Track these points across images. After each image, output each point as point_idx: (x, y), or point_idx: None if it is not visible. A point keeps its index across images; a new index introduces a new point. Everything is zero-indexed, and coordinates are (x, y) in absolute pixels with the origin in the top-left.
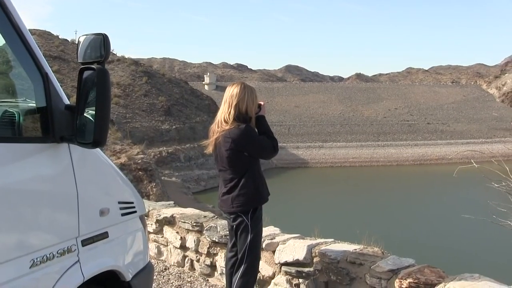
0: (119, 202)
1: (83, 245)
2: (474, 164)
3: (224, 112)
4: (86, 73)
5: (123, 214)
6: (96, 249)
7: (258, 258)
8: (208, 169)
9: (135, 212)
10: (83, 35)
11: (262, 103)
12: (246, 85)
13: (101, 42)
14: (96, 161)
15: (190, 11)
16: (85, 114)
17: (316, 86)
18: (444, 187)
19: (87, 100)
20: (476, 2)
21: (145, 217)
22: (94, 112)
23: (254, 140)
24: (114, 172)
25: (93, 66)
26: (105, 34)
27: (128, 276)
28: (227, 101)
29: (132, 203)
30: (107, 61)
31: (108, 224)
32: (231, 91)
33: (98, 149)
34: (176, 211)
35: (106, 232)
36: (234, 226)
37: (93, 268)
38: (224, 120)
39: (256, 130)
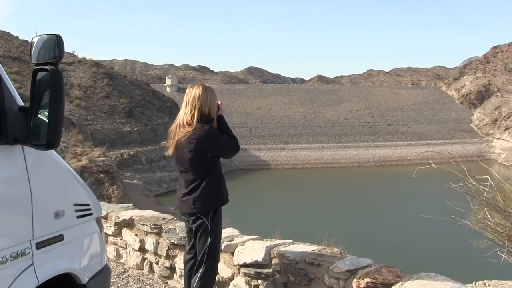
0: (75, 204)
1: (37, 248)
2: (433, 165)
3: (187, 115)
4: (40, 74)
5: (78, 217)
6: (51, 252)
7: (217, 260)
8: (170, 171)
9: (91, 214)
10: (36, 36)
11: (219, 102)
12: (207, 86)
13: (55, 43)
14: (51, 163)
15: (151, 12)
16: (39, 116)
17: (277, 88)
18: (405, 187)
19: (41, 101)
20: (436, 6)
21: (103, 220)
22: (47, 113)
23: (218, 140)
24: (70, 174)
25: (47, 67)
26: (58, 35)
27: (84, 279)
28: (189, 103)
29: (88, 205)
30: (61, 62)
31: (63, 227)
32: (193, 93)
33: (53, 151)
34: (135, 213)
35: (62, 235)
36: (194, 228)
37: (48, 271)
38: (187, 123)
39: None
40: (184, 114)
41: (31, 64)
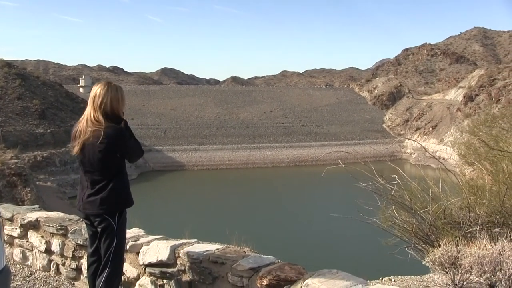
0: None
1: None
2: (342, 165)
3: (91, 113)
4: None
5: None
6: None
7: (122, 262)
8: None
9: None
10: None
11: None
12: (110, 84)
13: None
14: None
15: (64, 12)
16: None
17: (192, 89)
18: (317, 187)
19: None
20: (349, 9)
21: (8, 222)
22: None
23: (127, 141)
24: None
25: None
26: None
27: None
28: (91, 101)
29: None
30: None
31: None
32: (95, 91)
33: None
34: (41, 215)
35: None
36: (100, 229)
37: None
38: (95, 120)
39: None
40: (89, 113)
41: None
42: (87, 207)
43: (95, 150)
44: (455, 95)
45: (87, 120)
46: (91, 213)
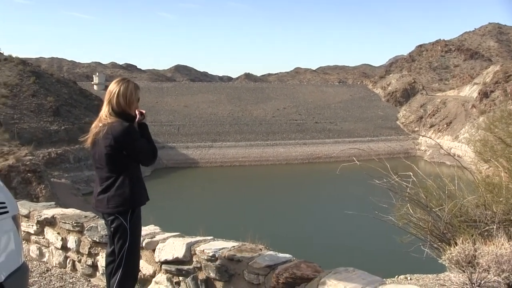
0: None
1: None
2: (356, 162)
3: (103, 109)
4: None
5: None
6: None
7: (137, 262)
8: None
9: (6, 212)
10: None
11: (143, 111)
12: (122, 80)
13: None
14: None
15: (78, 10)
16: None
17: (205, 86)
18: (331, 184)
19: None
20: (363, 5)
21: (25, 218)
22: None
23: (134, 140)
24: None
25: None
26: None
27: (1, 278)
28: (106, 98)
29: (4, 203)
30: None
31: None
32: (109, 88)
33: None
34: (57, 211)
35: None
36: (112, 229)
37: None
38: (105, 116)
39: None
40: (102, 108)
41: None
42: (98, 205)
43: (102, 145)
44: (470, 91)
45: (100, 116)
46: (102, 212)
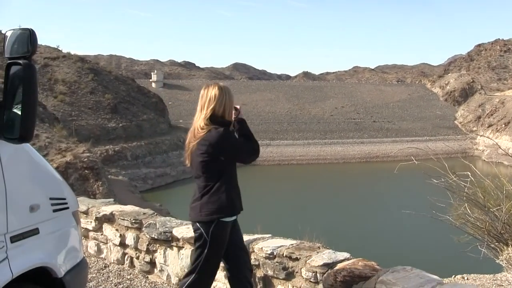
0: (51, 198)
1: (12, 242)
2: (415, 161)
3: (200, 119)
4: (14, 68)
5: (54, 210)
6: (26, 246)
7: (212, 273)
8: (156, 167)
9: (67, 208)
10: (10, 30)
11: (238, 106)
12: (222, 86)
13: (28, 37)
14: (27, 158)
15: (137, 8)
16: (13, 110)
17: (263, 84)
18: (389, 183)
19: (14, 95)
20: (421, 4)
21: (84, 215)
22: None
23: (232, 143)
24: (46, 168)
25: (20, 61)
26: (31, 29)
27: (60, 273)
28: (204, 105)
29: (65, 199)
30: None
31: (38, 220)
32: (209, 94)
33: (28, 145)
34: (116, 208)
35: (37, 228)
36: (196, 234)
37: (22, 264)
38: (200, 127)
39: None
40: (198, 119)
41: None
42: (190, 213)
43: (198, 153)
44: None
45: (195, 127)
46: (193, 219)
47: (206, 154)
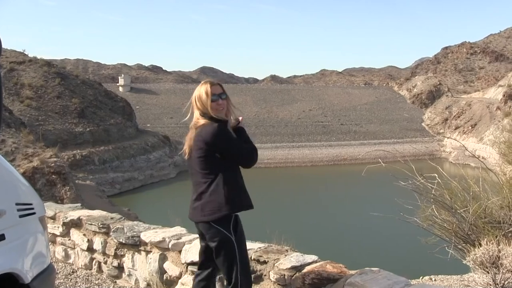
0: (17, 204)
1: None
2: (382, 164)
3: (195, 116)
4: None
5: (21, 216)
6: None
7: (251, 284)
8: (123, 172)
9: (34, 213)
10: None
11: (241, 118)
12: (204, 81)
13: None
14: None
15: (104, 11)
16: None
17: (231, 88)
18: (356, 186)
19: None
20: (388, 7)
21: (51, 220)
22: None
23: (228, 139)
24: (11, 173)
25: None
26: None
27: (27, 279)
28: (193, 103)
29: (31, 204)
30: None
31: (4, 226)
32: (196, 92)
33: None
34: (83, 213)
35: (3, 234)
36: (214, 244)
37: None
38: (195, 123)
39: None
40: (194, 116)
41: None
42: (193, 215)
43: (195, 149)
44: (495, 93)
45: (192, 125)
46: (196, 221)
47: (201, 150)
